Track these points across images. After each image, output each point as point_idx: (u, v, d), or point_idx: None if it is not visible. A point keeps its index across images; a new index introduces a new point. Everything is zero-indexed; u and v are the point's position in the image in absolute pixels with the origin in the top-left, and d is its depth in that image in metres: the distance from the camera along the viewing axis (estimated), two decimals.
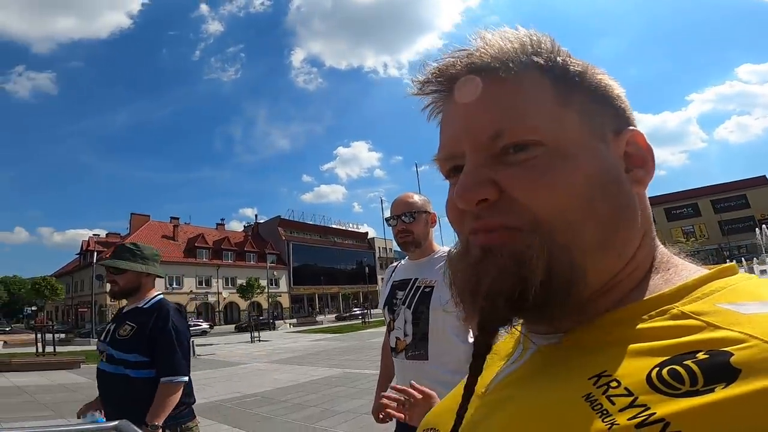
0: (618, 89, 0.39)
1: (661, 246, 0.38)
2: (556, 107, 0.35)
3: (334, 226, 70.13)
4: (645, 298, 0.34)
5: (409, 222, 1.71)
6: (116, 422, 1.29)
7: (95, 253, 38.58)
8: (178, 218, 55.40)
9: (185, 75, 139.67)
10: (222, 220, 64.77)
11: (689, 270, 0.36)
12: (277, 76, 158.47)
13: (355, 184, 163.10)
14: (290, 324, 38.68)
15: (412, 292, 1.70)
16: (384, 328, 1.89)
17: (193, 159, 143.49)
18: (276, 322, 37.06)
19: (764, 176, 52.45)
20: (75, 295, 47.73)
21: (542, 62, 0.36)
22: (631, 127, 0.38)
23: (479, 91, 0.36)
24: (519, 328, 0.42)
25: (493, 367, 0.43)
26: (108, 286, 2.08)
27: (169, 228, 52.28)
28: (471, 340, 1.58)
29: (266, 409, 6.27)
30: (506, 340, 0.47)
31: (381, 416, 1.87)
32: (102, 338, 2.01)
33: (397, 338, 1.68)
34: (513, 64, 0.36)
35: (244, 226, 69.11)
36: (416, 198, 1.77)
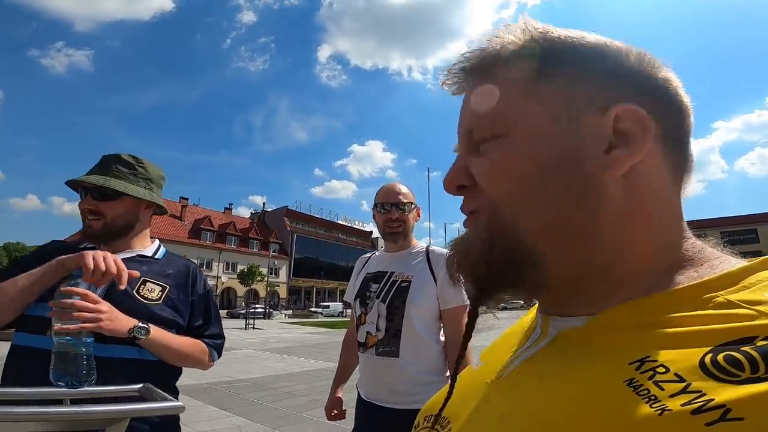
0: (618, 58, 0.37)
1: (694, 239, 0.37)
2: (520, 100, 0.37)
3: (340, 221, 70.25)
4: (684, 285, 0.32)
5: (401, 212, 1.68)
6: (140, 385, 1.06)
7: None
8: (187, 198, 55.67)
9: (215, 62, 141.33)
10: (230, 204, 64.56)
11: (730, 261, 0.34)
12: (302, 70, 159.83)
13: (367, 182, 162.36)
14: (285, 315, 38.76)
15: (388, 286, 1.63)
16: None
17: (210, 143, 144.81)
18: (272, 311, 37.17)
19: None
20: None
21: (517, 59, 0.38)
22: (621, 104, 0.35)
23: (467, 91, 0.42)
24: (535, 310, 0.41)
25: (505, 352, 0.42)
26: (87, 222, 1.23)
27: (177, 207, 52.52)
28: (443, 339, 1.58)
29: (255, 394, 6.32)
30: (521, 324, 0.45)
31: (333, 414, 1.81)
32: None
33: (368, 333, 1.61)
34: (488, 65, 0.39)
35: (251, 213, 69.36)
36: (407, 189, 1.74)
